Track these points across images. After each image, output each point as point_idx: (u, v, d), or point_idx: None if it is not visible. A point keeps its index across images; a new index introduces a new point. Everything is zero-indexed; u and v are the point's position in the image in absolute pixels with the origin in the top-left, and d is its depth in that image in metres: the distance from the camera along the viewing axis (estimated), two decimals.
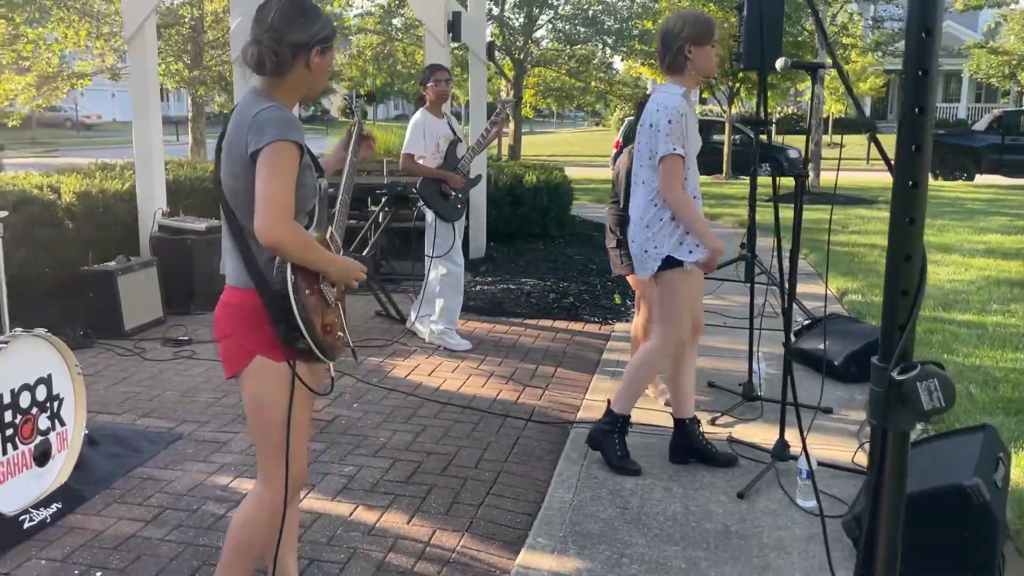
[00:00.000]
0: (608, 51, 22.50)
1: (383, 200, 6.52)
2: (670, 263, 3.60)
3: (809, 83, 17.75)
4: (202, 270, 6.54)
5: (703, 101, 28.54)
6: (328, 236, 2.38)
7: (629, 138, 4.32)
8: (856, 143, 27.56)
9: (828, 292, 7.38)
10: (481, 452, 4.05)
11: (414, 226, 6.18)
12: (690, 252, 3.60)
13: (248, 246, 2.20)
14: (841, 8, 18.60)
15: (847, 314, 6.42)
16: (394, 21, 20.85)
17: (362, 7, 23.24)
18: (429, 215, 5.65)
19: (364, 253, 6.40)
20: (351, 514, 3.40)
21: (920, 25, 1.07)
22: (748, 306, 4.77)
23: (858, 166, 23.85)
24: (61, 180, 6.99)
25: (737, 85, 18.98)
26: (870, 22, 23.38)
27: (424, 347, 5.79)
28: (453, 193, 5.61)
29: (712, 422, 4.36)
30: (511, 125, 22.37)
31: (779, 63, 3.81)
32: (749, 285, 4.90)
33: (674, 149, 3.46)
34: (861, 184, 17.61)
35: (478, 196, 8.93)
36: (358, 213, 7.01)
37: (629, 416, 3.84)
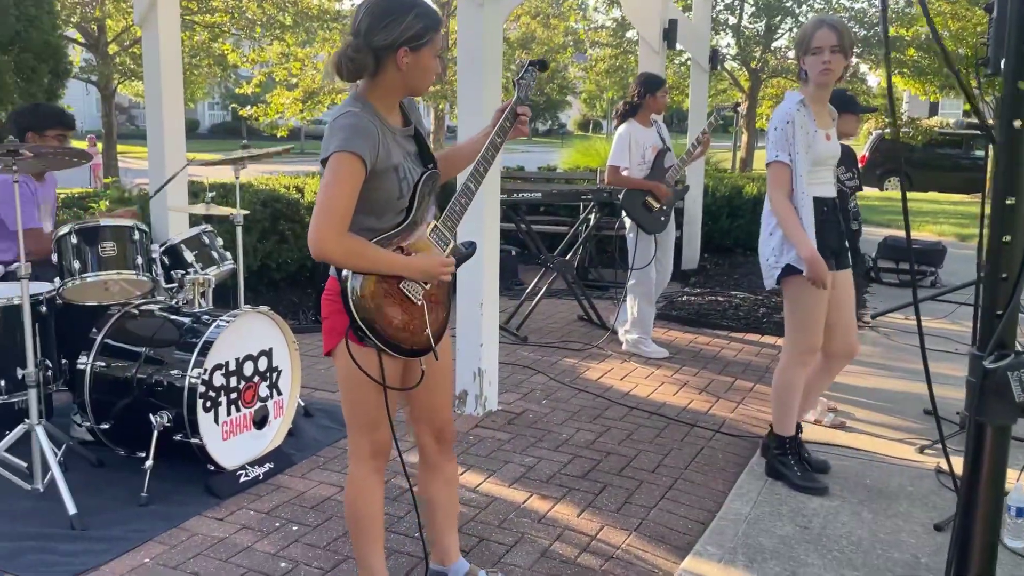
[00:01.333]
0: (855, 60, 21.27)
1: (590, 206, 6.62)
2: (790, 271, 3.50)
3: None
4: None
5: (966, 114, 26.12)
6: (430, 230, 2.39)
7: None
8: None
9: None
10: (662, 457, 4.02)
11: (618, 234, 6.22)
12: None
13: None
14: None
15: None
16: (628, 34, 20.97)
17: (597, 21, 23.56)
18: (630, 226, 5.66)
19: (567, 258, 6.53)
20: (524, 501, 3.51)
21: None
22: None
23: None
24: (306, 182, 7.75)
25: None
26: None
27: (620, 353, 5.82)
28: (657, 205, 5.57)
29: (921, 451, 4.05)
30: (744, 137, 21.74)
31: None
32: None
33: (777, 156, 3.44)
34: None
35: (693, 206, 8.80)
36: (568, 219, 7.15)
37: (795, 435, 3.72)
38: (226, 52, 17.16)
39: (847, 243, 3.71)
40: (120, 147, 16.93)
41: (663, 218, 5.65)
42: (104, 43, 14.31)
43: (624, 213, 5.65)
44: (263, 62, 17.60)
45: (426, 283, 2.36)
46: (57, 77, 8.03)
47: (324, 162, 2.20)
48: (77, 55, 14.37)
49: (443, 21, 2.55)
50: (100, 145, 17.51)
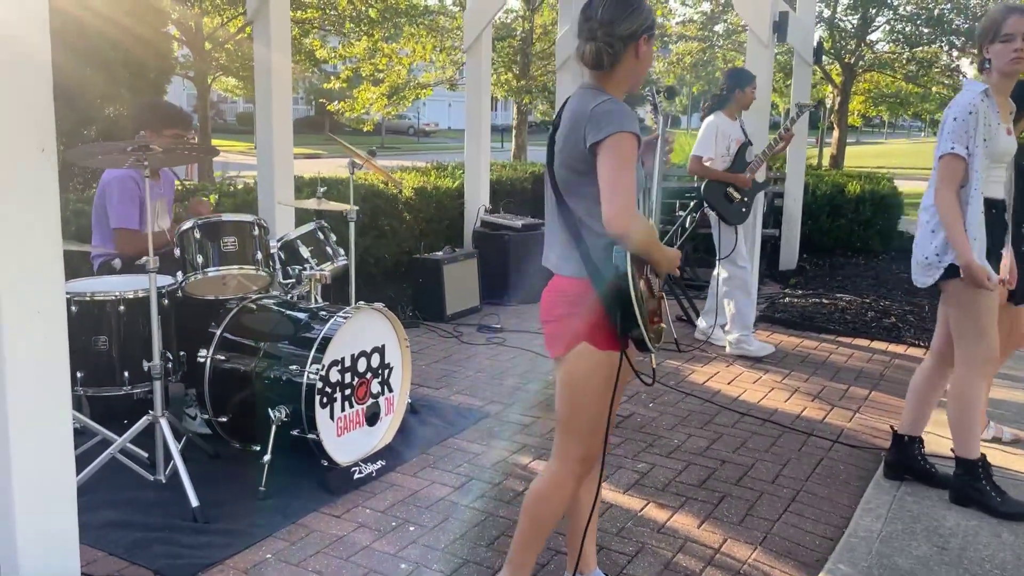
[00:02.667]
0: (955, 53, 20.40)
1: (691, 205, 6.46)
2: (954, 271, 3.27)
3: None
4: (517, 264, 6.93)
5: None
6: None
7: None
8: None
9: None
10: (780, 468, 3.87)
11: (700, 232, 6.11)
12: (980, 258, 3.24)
13: (582, 236, 2.27)
14: None
15: None
16: (716, 27, 20.55)
17: (684, 15, 23.14)
18: (713, 219, 5.60)
19: None
20: (641, 509, 3.41)
21: None
22: None
23: None
24: (403, 177, 7.78)
25: None
26: None
27: (724, 356, 5.65)
28: (738, 196, 5.51)
29: None
30: (835, 133, 21.08)
31: None
32: None
33: (952, 148, 3.21)
34: None
35: (793, 205, 8.54)
36: (666, 217, 7.00)
37: (982, 456, 3.46)
38: (315, 47, 17.41)
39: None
40: (213, 140, 17.38)
41: (744, 209, 5.58)
42: (201, 40, 14.66)
43: (705, 205, 5.56)
44: (350, 57, 17.81)
45: (659, 275, 2.38)
46: (163, 73, 8.23)
47: (595, 146, 2.19)
48: (175, 51, 14.83)
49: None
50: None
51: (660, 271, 2.34)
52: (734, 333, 5.64)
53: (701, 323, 5.98)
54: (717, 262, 5.66)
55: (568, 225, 2.30)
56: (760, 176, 5.66)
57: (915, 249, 3.46)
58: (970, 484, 3.43)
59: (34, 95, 2.28)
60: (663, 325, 2.38)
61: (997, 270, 3.34)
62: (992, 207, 3.31)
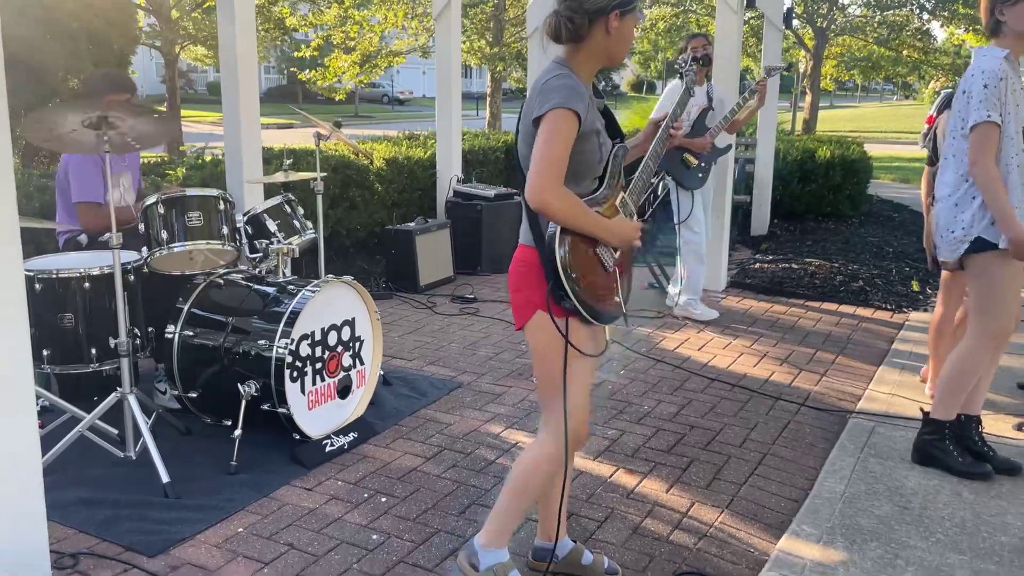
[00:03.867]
0: (926, 16, 20.46)
1: (659, 172, 6.48)
2: (982, 245, 3.24)
3: None
4: (490, 234, 6.93)
5: None
6: (619, 201, 2.41)
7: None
8: None
9: None
10: (748, 432, 3.93)
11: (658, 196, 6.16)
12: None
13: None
14: None
15: None
16: None
17: None
18: (670, 184, 5.65)
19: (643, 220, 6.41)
20: (611, 476, 3.46)
21: None
22: None
23: None
24: (374, 147, 7.72)
25: None
26: None
27: (696, 322, 5.71)
28: (695, 162, 5.55)
29: (1019, 427, 3.90)
30: (807, 98, 21.12)
31: None
32: None
33: (988, 116, 3.12)
34: None
35: (764, 171, 8.58)
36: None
37: (956, 420, 3.50)
38: (285, 16, 17.14)
39: None
40: (182, 111, 17.10)
41: (701, 175, 5.62)
42: (167, 8, 14.37)
43: (662, 169, 5.62)
44: (321, 25, 17.56)
45: (616, 250, 2.38)
46: (127, 43, 8.07)
47: (537, 121, 2.21)
48: (140, 20, 14.54)
49: None
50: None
51: (612, 245, 2.34)
52: (683, 296, 5.77)
53: (671, 290, 6.02)
54: (676, 227, 5.71)
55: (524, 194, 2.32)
56: (722, 142, 5.67)
57: (937, 224, 3.40)
58: (934, 444, 3.49)
59: None
60: (616, 300, 2.38)
61: None
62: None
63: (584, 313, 2.28)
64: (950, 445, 3.47)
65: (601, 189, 2.36)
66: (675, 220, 5.69)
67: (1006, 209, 3.14)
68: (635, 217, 2.47)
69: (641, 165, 2.48)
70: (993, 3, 3.19)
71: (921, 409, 3.63)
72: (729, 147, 6.07)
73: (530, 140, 2.25)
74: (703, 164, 5.60)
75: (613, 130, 2.44)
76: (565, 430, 2.40)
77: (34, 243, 4.47)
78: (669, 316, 5.81)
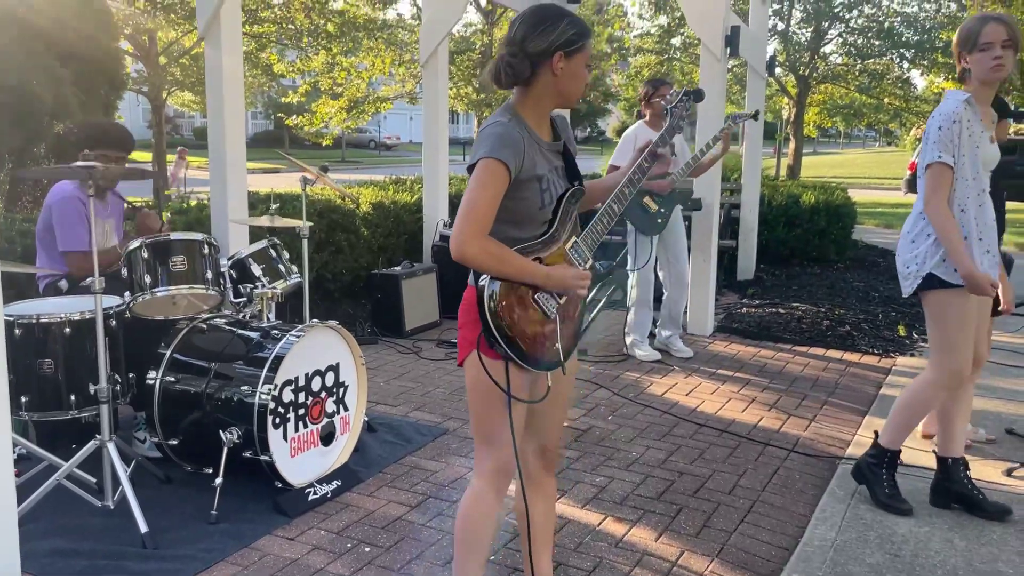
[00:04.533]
0: (906, 65, 20.87)
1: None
2: (935, 282, 3.29)
3: None
4: None
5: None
6: (569, 245, 2.36)
7: None
8: None
9: None
10: (737, 478, 3.89)
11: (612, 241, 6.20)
12: (956, 271, 3.24)
13: None
14: None
15: None
16: (672, 41, 20.80)
17: (642, 28, 23.41)
18: (629, 227, 5.69)
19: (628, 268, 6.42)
20: (599, 524, 3.40)
21: None
22: None
23: None
24: (361, 192, 7.72)
25: None
26: None
27: (684, 366, 5.69)
28: (656, 207, 5.57)
29: (1008, 473, 3.87)
30: (791, 144, 21.40)
31: None
32: None
33: (939, 157, 3.21)
34: None
35: (749, 216, 8.64)
36: (620, 228, 7.05)
37: (899, 452, 3.55)
38: (272, 62, 17.31)
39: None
40: (169, 156, 17.14)
41: (660, 220, 5.63)
42: (155, 54, 14.49)
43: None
44: (308, 71, 17.74)
45: (561, 296, 2.34)
46: (114, 89, 8.11)
47: (471, 168, 2.21)
48: (128, 66, 14.61)
49: (592, 32, 2.54)
50: (187, 157, 17.80)
51: (551, 291, 2.30)
52: (631, 336, 5.88)
53: (660, 334, 6.01)
54: (631, 272, 5.76)
55: None
56: (682, 186, 5.70)
57: (897, 258, 3.48)
58: (872, 466, 3.54)
59: None
60: (555, 347, 2.33)
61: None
62: None
63: (517, 360, 2.25)
64: (883, 473, 3.52)
65: (547, 234, 2.31)
66: (630, 265, 5.73)
67: (957, 245, 3.19)
68: (589, 262, 2.41)
69: (601, 208, 2.42)
70: (959, 51, 3.29)
71: (876, 432, 3.63)
72: (699, 201, 6.11)
73: None
74: (663, 210, 5.61)
75: (571, 172, 2.41)
76: (519, 469, 2.38)
77: (15, 288, 4.41)
78: (660, 363, 5.79)
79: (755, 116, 6.65)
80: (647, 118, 5.67)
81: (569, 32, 2.25)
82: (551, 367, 2.36)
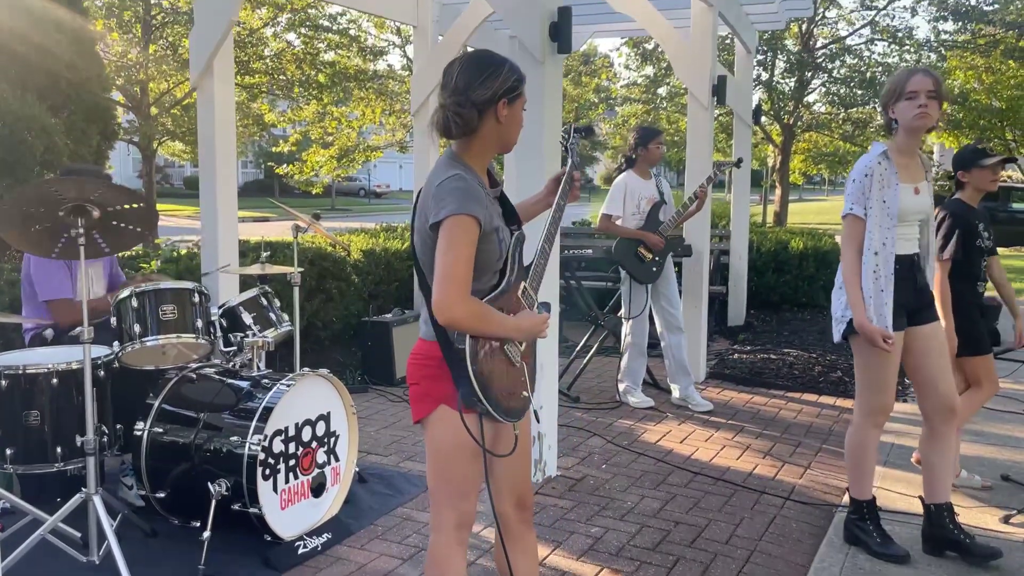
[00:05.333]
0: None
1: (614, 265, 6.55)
2: (854, 328, 3.37)
3: None
4: None
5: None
6: (520, 292, 2.36)
7: None
8: None
9: None
10: (734, 528, 3.84)
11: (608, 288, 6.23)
12: (879, 317, 3.31)
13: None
14: None
15: None
16: (659, 90, 21.11)
17: (628, 78, 23.78)
18: (624, 276, 5.71)
19: (619, 313, 6.42)
20: None
21: None
22: None
23: None
24: (351, 239, 7.73)
25: None
26: None
27: (676, 413, 5.66)
28: (650, 256, 5.60)
29: (1006, 520, 3.83)
30: (777, 192, 21.62)
31: None
32: None
33: (851, 209, 3.37)
34: None
35: (739, 263, 8.68)
36: (611, 275, 7.06)
37: (873, 499, 3.57)
38: (263, 112, 17.43)
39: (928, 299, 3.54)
40: (161, 206, 17.18)
41: (655, 268, 5.67)
42: (146, 104, 14.57)
43: (617, 263, 5.69)
44: (300, 121, 17.87)
45: (522, 343, 2.33)
46: (105, 139, 8.12)
47: (435, 226, 2.16)
48: (119, 116, 14.69)
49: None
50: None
51: (519, 340, 2.29)
52: (623, 383, 5.87)
53: (675, 392, 5.93)
54: (626, 321, 5.74)
55: (424, 290, 2.27)
56: (677, 232, 5.76)
57: (832, 305, 3.58)
58: (856, 523, 3.55)
59: None
60: (524, 395, 2.32)
61: (904, 325, 3.40)
62: (899, 263, 3.37)
63: (497, 415, 2.22)
64: (869, 525, 3.53)
65: (503, 283, 2.30)
66: (625, 314, 5.72)
67: (855, 296, 3.32)
68: (536, 306, 2.40)
69: (537, 251, 2.40)
70: (885, 103, 3.39)
71: (920, 498, 3.61)
72: (690, 247, 6.14)
73: (426, 240, 2.22)
74: (657, 259, 5.65)
75: (509, 217, 2.39)
76: (498, 527, 2.39)
77: (2, 338, 4.37)
78: (653, 410, 5.76)
79: (738, 164, 6.74)
80: (636, 166, 5.71)
81: (511, 78, 2.26)
82: (520, 416, 2.34)
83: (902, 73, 3.38)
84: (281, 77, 15.80)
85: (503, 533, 2.55)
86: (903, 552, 3.43)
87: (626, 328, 5.79)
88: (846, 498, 4.13)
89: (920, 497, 3.61)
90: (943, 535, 3.47)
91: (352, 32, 16.58)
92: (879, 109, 3.48)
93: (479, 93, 2.22)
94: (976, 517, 3.86)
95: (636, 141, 5.73)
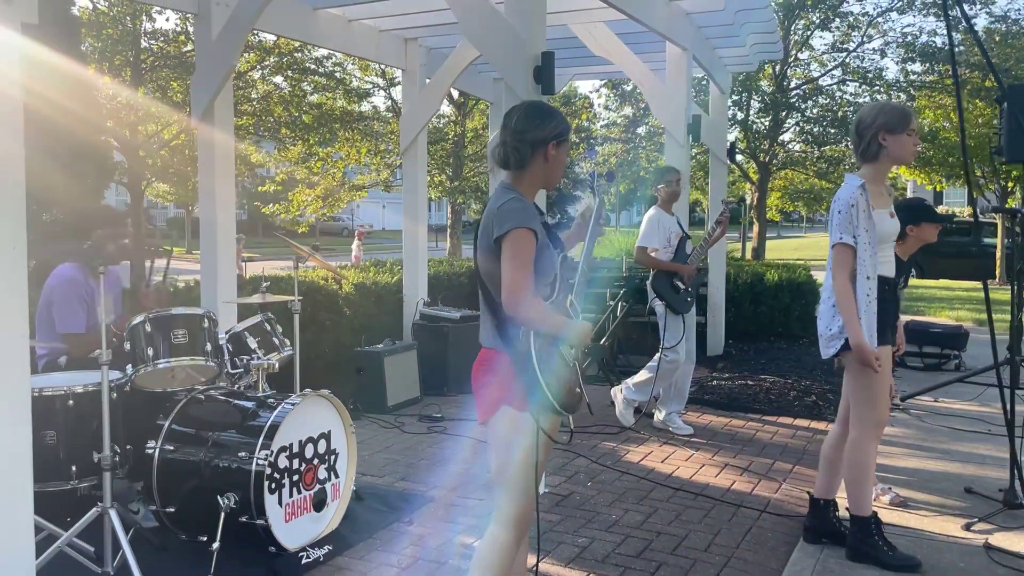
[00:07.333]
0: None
1: (620, 294, 6.80)
2: (849, 346, 3.58)
3: None
4: (456, 354, 7.11)
5: (973, 200, 26.54)
6: (568, 303, 2.70)
7: None
8: None
9: None
10: (712, 537, 4.06)
11: (649, 320, 6.41)
12: (870, 337, 3.55)
13: (499, 314, 2.58)
14: None
15: None
16: (638, 130, 21.65)
17: (608, 118, 24.32)
18: (659, 307, 5.89)
19: (602, 342, 6.67)
20: None
21: None
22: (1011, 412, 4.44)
23: None
24: (344, 273, 7.97)
25: (1012, 184, 17.63)
26: None
27: (657, 435, 5.89)
28: (683, 286, 5.84)
29: (967, 527, 4.08)
30: (755, 228, 22.09)
31: None
32: (1011, 391, 4.55)
33: (840, 238, 3.57)
34: None
35: (716, 294, 8.98)
36: (595, 307, 7.32)
37: (875, 513, 3.73)
38: (250, 153, 17.75)
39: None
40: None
41: (689, 299, 5.91)
42: (136, 146, 14.83)
43: (654, 294, 5.87)
44: (286, 161, 18.17)
45: (572, 347, 2.62)
46: (101, 179, 8.35)
47: (498, 240, 2.52)
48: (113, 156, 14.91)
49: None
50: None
51: (571, 343, 2.60)
52: (663, 412, 6.06)
53: (659, 415, 6.14)
54: (661, 349, 5.86)
55: (487, 302, 2.62)
56: (703, 264, 6.05)
57: (819, 323, 3.76)
58: (864, 540, 3.67)
59: (8, 198, 2.44)
60: (577, 391, 2.63)
61: (890, 341, 3.68)
62: (884, 284, 3.63)
63: (556, 405, 2.52)
64: (879, 540, 3.66)
65: (554, 294, 2.66)
66: (662, 343, 5.87)
67: (852, 317, 3.52)
68: (580, 316, 2.74)
69: (579, 270, 2.78)
70: (876, 129, 3.55)
71: (808, 493, 3.97)
72: (701, 271, 6.42)
73: (490, 255, 2.57)
74: (688, 288, 5.90)
75: (555, 241, 2.76)
76: (537, 515, 2.62)
77: None
78: (631, 430, 5.98)
79: (740, 201, 7.08)
80: (660, 202, 5.96)
81: (561, 126, 2.68)
82: (575, 410, 2.66)
83: (900, 107, 3.59)
84: (268, 118, 16.13)
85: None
86: (917, 560, 3.61)
87: (665, 359, 5.84)
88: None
89: (809, 492, 3.95)
90: (825, 527, 3.86)
91: (338, 75, 16.99)
92: (859, 132, 3.62)
93: (534, 134, 2.63)
94: (941, 525, 4.11)
95: (653, 181, 6.05)
